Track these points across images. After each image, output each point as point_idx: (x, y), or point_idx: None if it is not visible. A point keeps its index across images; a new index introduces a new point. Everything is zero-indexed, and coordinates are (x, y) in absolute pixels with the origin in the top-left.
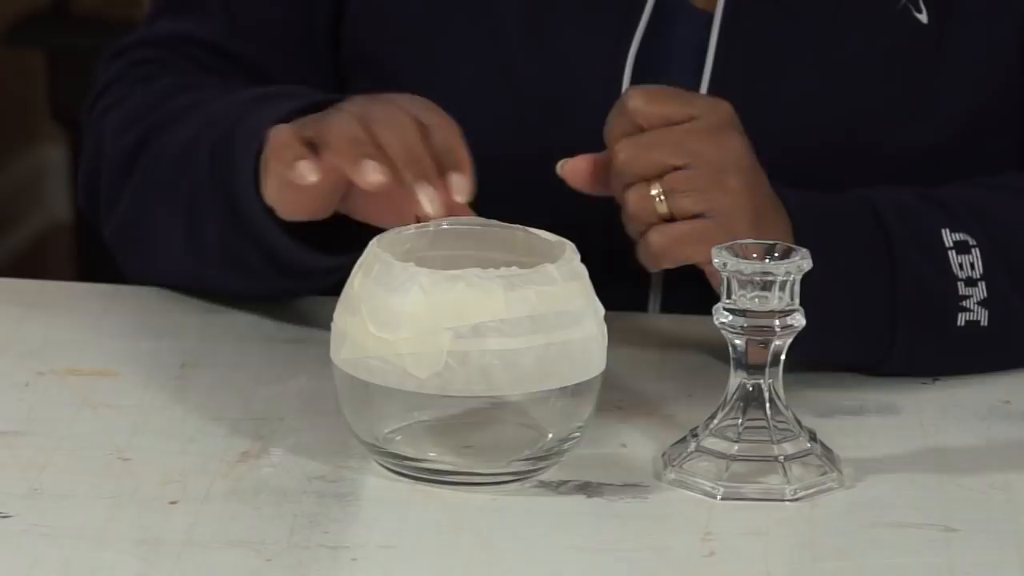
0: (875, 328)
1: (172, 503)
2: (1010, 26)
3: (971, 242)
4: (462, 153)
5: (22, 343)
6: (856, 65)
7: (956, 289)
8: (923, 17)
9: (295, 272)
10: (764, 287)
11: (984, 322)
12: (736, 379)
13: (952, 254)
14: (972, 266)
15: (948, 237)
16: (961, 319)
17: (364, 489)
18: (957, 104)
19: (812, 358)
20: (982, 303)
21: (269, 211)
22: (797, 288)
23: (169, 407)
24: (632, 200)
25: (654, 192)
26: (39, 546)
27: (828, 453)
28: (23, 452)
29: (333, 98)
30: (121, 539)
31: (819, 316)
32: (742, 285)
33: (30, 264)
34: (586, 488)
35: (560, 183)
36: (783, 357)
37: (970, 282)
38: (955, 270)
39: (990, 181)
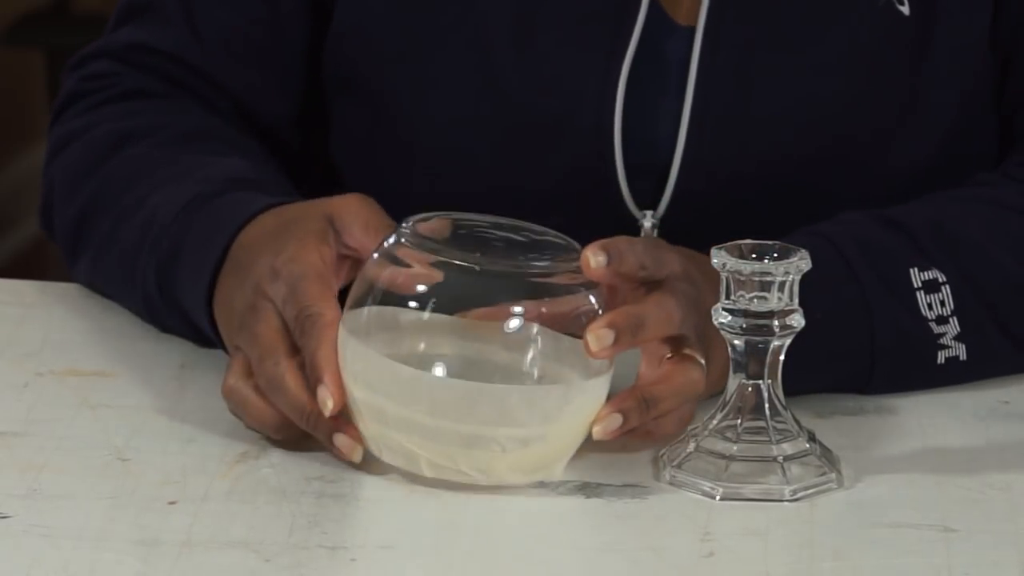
0: (854, 375)
1: (171, 503)
2: (986, 16)
3: (940, 279)
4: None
5: (21, 343)
6: (841, 67)
7: (930, 329)
8: (905, 9)
9: None
10: (763, 288)
11: (963, 356)
12: (735, 380)
13: (920, 295)
14: (942, 303)
15: (916, 277)
16: (941, 356)
17: (363, 489)
18: (943, 99)
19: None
20: (957, 338)
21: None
22: (796, 288)
23: (168, 407)
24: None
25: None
26: (38, 546)
27: (827, 453)
28: (22, 452)
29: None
30: (120, 539)
31: (798, 372)
32: (741, 286)
33: (30, 264)
34: (585, 488)
35: (554, 202)
36: (782, 358)
37: (941, 320)
38: (924, 311)
39: (961, 192)
